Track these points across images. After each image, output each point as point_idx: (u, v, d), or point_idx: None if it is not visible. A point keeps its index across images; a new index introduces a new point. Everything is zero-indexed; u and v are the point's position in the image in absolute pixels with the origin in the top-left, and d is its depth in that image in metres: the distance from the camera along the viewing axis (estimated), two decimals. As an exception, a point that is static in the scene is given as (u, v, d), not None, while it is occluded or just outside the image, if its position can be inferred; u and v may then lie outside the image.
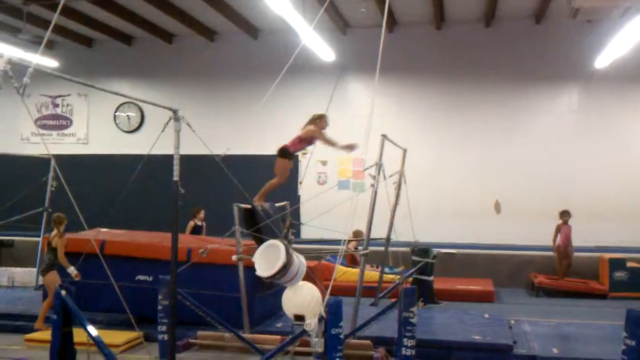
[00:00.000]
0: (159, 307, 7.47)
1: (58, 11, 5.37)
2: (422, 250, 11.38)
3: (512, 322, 9.47)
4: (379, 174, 8.69)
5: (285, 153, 8.86)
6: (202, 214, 12.68)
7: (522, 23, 14.50)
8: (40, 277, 9.66)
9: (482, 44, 14.78)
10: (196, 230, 12.51)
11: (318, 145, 9.29)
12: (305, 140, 8.96)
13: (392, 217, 10.77)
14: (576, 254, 12.98)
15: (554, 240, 12.93)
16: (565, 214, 12.98)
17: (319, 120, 8.98)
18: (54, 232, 9.20)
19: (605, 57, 13.03)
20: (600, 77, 14.10)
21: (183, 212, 11.94)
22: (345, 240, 6.35)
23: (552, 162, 14.35)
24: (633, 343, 5.78)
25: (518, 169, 14.53)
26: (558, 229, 12.95)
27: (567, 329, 9.19)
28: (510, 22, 14.54)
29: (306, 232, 13.25)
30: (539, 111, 14.62)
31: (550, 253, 13.14)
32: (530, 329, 9.06)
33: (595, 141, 14.29)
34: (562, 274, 12.94)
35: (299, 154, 14.95)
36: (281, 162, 8.87)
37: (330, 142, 8.95)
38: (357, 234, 11.53)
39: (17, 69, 4.61)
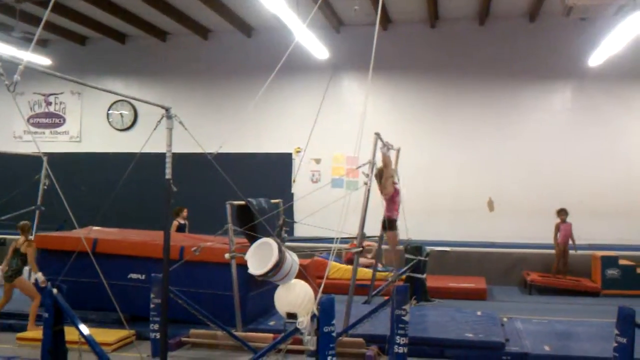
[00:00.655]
0: (151, 306, 7.47)
1: (49, 8, 5.35)
2: (415, 248, 11.39)
3: (505, 319, 9.48)
4: (372, 172, 8.67)
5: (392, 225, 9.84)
6: (185, 213, 12.76)
7: (516, 21, 14.52)
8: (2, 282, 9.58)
9: (476, 42, 14.80)
10: (180, 229, 12.59)
11: (311, 142, 9.25)
12: (393, 199, 9.80)
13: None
14: (569, 252, 13.02)
15: (554, 239, 12.96)
16: (562, 212, 13.03)
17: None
18: (22, 238, 9.21)
19: (599, 55, 13.06)
20: (594, 75, 14.12)
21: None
22: (337, 239, 6.33)
23: (546, 159, 14.38)
24: (624, 340, 5.80)
25: (511, 167, 14.55)
26: (557, 228, 12.99)
27: (559, 326, 9.20)
28: (504, 20, 14.56)
29: (299, 230, 13.27)
30: (533, 109, 14.64)
31: (543, 251, 13.20)
32: (523, 326, 9.06)
33: (588, 139, 14.32)
34: (556, 271, 12.98)
35: (293, 150, 15.16)
36: (391, 235, 9.94)
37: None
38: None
39: (9, 66, 4.58)
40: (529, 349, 7.87)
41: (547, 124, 14.54)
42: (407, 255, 11.37)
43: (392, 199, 9.84)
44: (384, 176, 9.69)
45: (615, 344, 5.89)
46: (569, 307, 11.35)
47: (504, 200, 14.58)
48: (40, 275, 8.63)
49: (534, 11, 13.88)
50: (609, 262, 12.68)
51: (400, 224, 10.15)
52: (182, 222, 12.67)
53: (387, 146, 9.49)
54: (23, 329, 8.85)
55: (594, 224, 13.80)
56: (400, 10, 14.31)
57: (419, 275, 11.28)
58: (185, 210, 12.82)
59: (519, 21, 14.51)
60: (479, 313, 9.54)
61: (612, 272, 12.61)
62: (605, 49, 12.53)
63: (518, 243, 13.95)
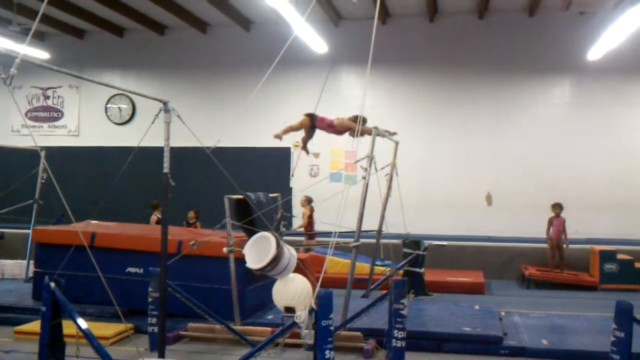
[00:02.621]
0: (149, 299, 7.48)
1: (46, 1, 5.32)
2: (413, 242, 11.40)
3: (503, 313, 9.49)
4: (370, 166, 8.66)
5: (309, 114, 9.19)
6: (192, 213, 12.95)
7: (515, 15, 14.50)
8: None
9: (475, 36, 14.78)
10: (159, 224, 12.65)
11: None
12: (334, 128, 9.12)
13: (384, 209, 10.77)
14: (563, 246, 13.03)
15: (547, 233, 12.99)
16: (556, 207, 13.03)
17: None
18: None
19: (598, 49, 13.03)
20: (593, 70, 14.11)
21: (174, 204, 11.93)
22: (336, 233, 6.33)
23: (544, 154, 14.38)
24: (622, 335, 5.81)
25: (510, 161, 14.56)
26: (550, 222, 13.00)
27: (557, 320, 9.22)
28: (503, 14, 14.53)
29: (298, 224, 13.30)
30: (532, 103, 14.64)
31: (541, 245, 13.22)
32: (521, 320, 9.07)
33: (587, 133, 14.32)
34: (552, 265, 13.00)
35: (291, 145, 15.14)
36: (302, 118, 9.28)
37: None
38: None
39: (7, 60, 4.57)
40: (526, 343, 7.88)
41: (545, 118, 14.53)
42: (405, 249, 11.37)
43: (336, 129, 9.33)
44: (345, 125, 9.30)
45: (613, 338, 5.90)
46: (567, 301, 11.37)
47: (502, 195, 14.60)
48: None
49: (533, 5, 13.85)
50: (607, 256, 12.68)
51: (398, 218, 10.17)
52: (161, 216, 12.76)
53: (386, 134, 9.41)
54: (21, 322, 8.84)
55: (592, 218, 13.84)
56: (399, 4, 14.29)
57: (417, 270, 11.29)
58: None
59: (518, 15, 14.49)
60: (476, 307, 9.56)
61: (610, 266, 12.61)
62: (604, 43, 12.51)
63: (516, 237, 13.95)
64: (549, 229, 12.99)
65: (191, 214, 13.23)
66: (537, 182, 14.30)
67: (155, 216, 12.63)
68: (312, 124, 9.19)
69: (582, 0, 11.88)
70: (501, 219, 14.35)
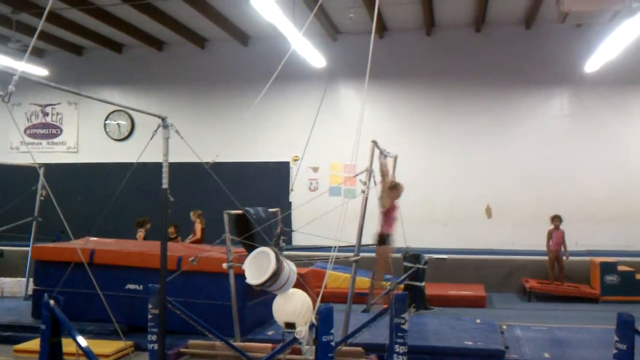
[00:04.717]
0: (149, 316, 7.42)
1: (44, 18, 5.33)
2: (414, 256, 11.37)
3: (504, 327, 9.45)
4: (369, 180, 8.65)
5: (383, 240, 9.75)
6: (148, 225, 12.89)
7: (512, 28, 14.55)
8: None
9: (473, 49, 14.82)
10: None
11: (308, 150, 9.22)
12: (388, 213, 9.70)
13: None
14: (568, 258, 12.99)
15: (547, 245, 12.96)
16: (555, 219, 13.01)
17: (394, 190, 9.30)
18: None
19: (595, 62, 13.07)
20: (591, 81, 14.14)
21: (175, 220, 11.89)
22: (335, 247, 6.30)
23: (543, 166, 14.38)
24: (624, 347, 5.77)
25: (509, 174, 14.56)
26: (550, 234, 12.98)
27: (558, 333, 9.18)
28: (500, 27, 14.59)
29: (297, 239, 13.22)
30: (530, 116, 14.66)
31: (542, 257, 13.18)
32: (522, 333, 9.04)
33: (586, 145, 14.33)
34: (552, 278, 12.97)
35: (290, 159, 15.16)
36: (380, 250, 9.80)
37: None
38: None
39: (6, 77, 4.57)
40: (528, 356, 7.85)
41: (544, 130, 14.54)
42: (406, 263, 11.34)
43: (387, 213, 9.80)
44: (382, 188, 9.65)
45: (615, 351, 5.86)
46: (568, 313, 11.33)
47: (501, 207, 14.57)
48: None
49: (530, 18, 13.92)
50: (608, 268, 12.63)
51: (397, 231, 10.15)
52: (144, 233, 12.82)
53: (384, 154, 9.48)
54: (20, 340, 8.80)
55: (593, 230, 13.82)
56: (396, 18, 14.34)
57: (418, 283, 11.26)
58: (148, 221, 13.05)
59: (515, 28, 14.54)
60: (478, 321, 9.51)
61: (611, 278, 12.57)
62: (601, 55, 12.55)
63: (516, 250, 13.94)
64: (548, 241, 12.97)
65: (171, 229, 13.00)
66: (537, 194, 14.28)
67: (141, 233, 12.62)
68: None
69: (578, 12, 11.87)
70: (501, 231, 14.33)
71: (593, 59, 13.02)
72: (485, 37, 14.74)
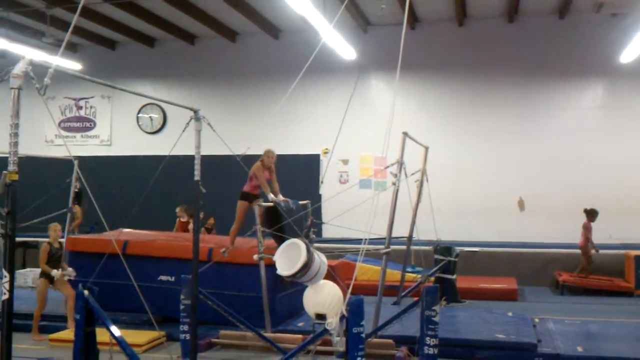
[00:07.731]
0: (181, 307, 7.51)
1: (78, 13, 5.39)
2: (445, 248, 11.32)
3: (536, 320, 9.37)
4: (400, 172, 8.63)
5: (243, 195, 8.96)
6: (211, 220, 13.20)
7: (545, 18, 14.35)
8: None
9: (505, 39, 14.65)
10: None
11: (339, 142, 9.20)
12: (253, 178, 8.90)
13: (414, 215, 10.73)
14: (601, 251, 12.76)
15: (590, 239, 12.66)
16: (590, 213, 12.73)
17: (265, 157, 8.90)
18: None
19: (631, 52, 12.82)
20: (626, 72, 13.88)
21: (205, 212, 11.91)
22: (366, 240, 6.30)
23: (577, 158, 14.18)
24: (660, 341, 5.69)
25: (542, 166, 14.38)
26: (587, 227, 12.69)
27: (592, 327, 9.08)
28: (533, 17, 14.40)
29: (327, 231, 13.24)
30: (563, 107, 14.46)
31: (575, 250, 12.98)
32: (555, 327, 8.96)
33: (620, 136, 14.10)
34: (579, 270, 12.77)
35: (321, 151, 15.16)
36: (239, 204, 9.01)
37: (262, 184, 8.79)
38: None
39: (41, 71, 4.63)
40: (561, 350, 7.77)
41: (577, 121, 14.33)
42: (437, 256, 11.30)
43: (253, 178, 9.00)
44: (258, 177, 8.91)
45: (651, 345, 5.79)
46: (602, 307, 11.17)
47: (534, 200, 14.41)
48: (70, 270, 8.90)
49: (564, 8, 13.70)
50: (643, 261, 12.45)
51: (428, 224, 10.12)
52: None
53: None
54: (56, 329, 8.97)
55: (627, 222, 13.60)
56: (428, 9, 14.24)
57: (449, 276, 11.20)
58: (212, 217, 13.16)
59: (548, 18, 14.34)
60: (510, 314, 9.45)
61: (646, 271, 12.39)
62: (637, 45, 12.30)
63: (549, 243, 13.76)
64: (589, 234, 12.69)
65: (210, 221, 13.25)
66: (570, 187, 14.08)
67: (191, 224, 12.71)
68: (248, 199, 8.99)
69: (614, 1, 11.69)
70: (534, 224, 14.17)
71: (629, 49, 12.77)
72: (518, 28, 14.56)
